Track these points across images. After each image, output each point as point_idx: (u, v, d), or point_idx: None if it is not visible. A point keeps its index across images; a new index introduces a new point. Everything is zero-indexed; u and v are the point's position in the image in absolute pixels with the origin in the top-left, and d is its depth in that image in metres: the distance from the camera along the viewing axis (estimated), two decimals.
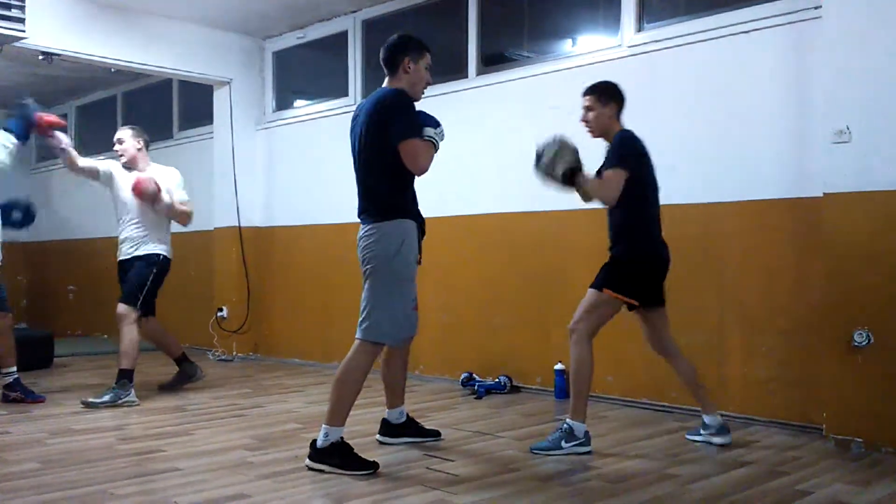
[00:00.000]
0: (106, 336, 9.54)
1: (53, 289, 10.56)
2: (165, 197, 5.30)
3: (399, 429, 4.10)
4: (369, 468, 3.51)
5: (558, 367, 5.34)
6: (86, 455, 3.85)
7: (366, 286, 3.61)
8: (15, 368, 5.28)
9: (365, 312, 3.59)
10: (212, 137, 7.90)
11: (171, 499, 3.15)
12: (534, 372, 5.61)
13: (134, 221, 5.40)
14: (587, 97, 3.99)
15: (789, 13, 4.48)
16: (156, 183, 5.26)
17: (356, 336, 3.61)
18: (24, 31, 5.95)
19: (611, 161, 3.85)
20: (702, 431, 4.08)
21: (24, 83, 9.21)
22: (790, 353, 4.45)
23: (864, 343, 3.87)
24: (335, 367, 7.00)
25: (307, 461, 3.57)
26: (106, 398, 5.11)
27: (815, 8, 4.26)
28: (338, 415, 3.55)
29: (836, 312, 4.00)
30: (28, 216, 5.52)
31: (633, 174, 3.81)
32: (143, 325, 5.44)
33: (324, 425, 3.55)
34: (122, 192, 5.43)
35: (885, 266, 3.86)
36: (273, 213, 7.71)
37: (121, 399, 5.11)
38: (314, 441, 3.57)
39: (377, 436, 4.13)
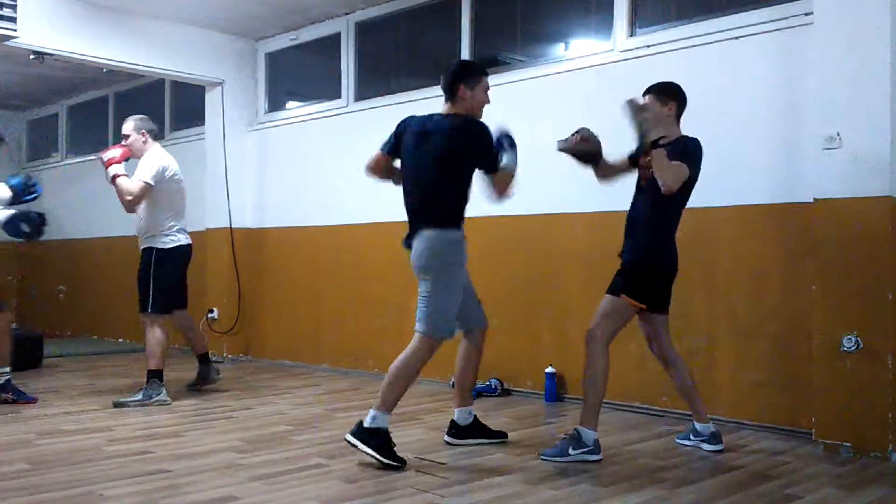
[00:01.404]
0: (95, 337, 9.52)
1: (43, 289, 10.52)
2: (112, 170, 5.22)
3: (467, 430, 4.13)
4: (399, 462, 3.63)
5: (549, 370, 5.35)
6: (75, 456, 3.84)
7: (425, 286, 3.82)
8: (9, 369, 5.26)
9: (424, 311, 3.79)
10: (204, 138, 7.89)
11: (161, 500, 3.14)
12: (524, 375, 5.62)
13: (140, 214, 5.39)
14: (647, 96, 3.97)
15: (781, 19, 4.50)
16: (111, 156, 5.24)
17: (416, 330, 3.80)
18: (15, 31, 5.94)
19: (679, 157, 3.76)
20: (692, 437, 4.09)
21: (14, 82, 9.19)
22: (780, 357, 4.47)
23: (852, 348, 3.89)
24: (325, 369, 7.06)
25: (347, 435, 3.71)
26: (137, 397, 5.14)
27: (806, 14, 4.28)
28: (388, 402, 3.72)
29: (825, 317, 4.02)
30: (36, 231, 5.38)
31: (690, 179, 3.81)
32: (174, 317, 5.51)
33: (373, 409, 3.71)
34: None
35: (873, 272, 3.88)
36: (265, 215, 7.70)
37: (152, 398, 5.13)
38: (361, 421, 3.71)
39: (445, 437, 4.15)
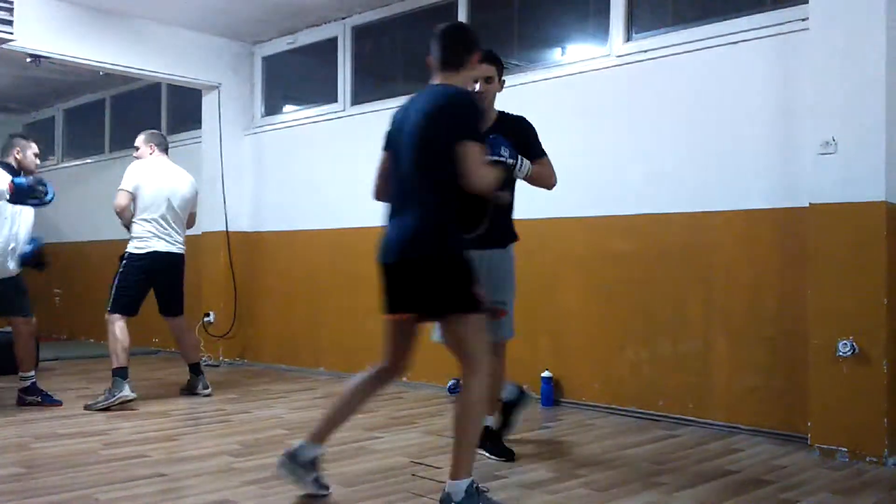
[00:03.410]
0: (91, 340, 9.49)
1: (39, 292, 10.46)
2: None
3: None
4: (505, 455, 3.85)
5: (545, 374, 5.34)
6: (71, 460, 3.84)
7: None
8: (33, 373, 5.35)
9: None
10: (200, 142, 7.89)
11: None
12: (520, 379, 5.58)
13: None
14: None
15: (776, 25, 4.52)
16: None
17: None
18: (11, 34, 5.91)
19: None
20: None
21: (11, 86, 9.18)
22: (775, 362, 4.47)
23: (848, 353, 3.89)
24: (322, 373, 7.05)
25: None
26: (100, 399, 5.14)
27: (802, 20, 4.29)
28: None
29: (821, 322, 4.03)
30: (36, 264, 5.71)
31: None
32: (170, 323, 5.67)
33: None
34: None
35: (869, 277, 3.89)
36: (261, 219, 7.69)
37: (115, 396, 5.11)
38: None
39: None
